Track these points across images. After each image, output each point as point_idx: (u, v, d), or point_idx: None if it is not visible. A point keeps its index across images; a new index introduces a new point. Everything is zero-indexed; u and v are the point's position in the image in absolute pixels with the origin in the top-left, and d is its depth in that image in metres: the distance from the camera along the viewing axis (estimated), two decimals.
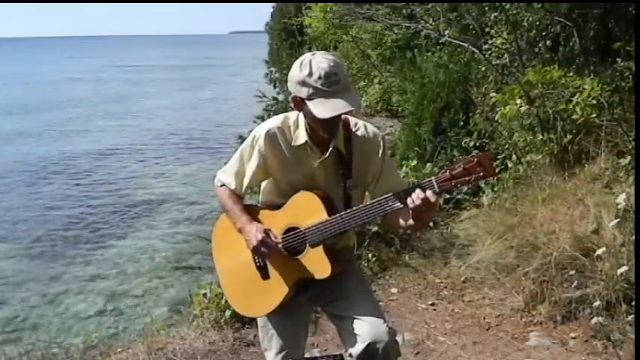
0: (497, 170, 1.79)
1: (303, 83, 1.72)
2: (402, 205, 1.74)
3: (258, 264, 1.96)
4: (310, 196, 1.87)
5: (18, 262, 6.76)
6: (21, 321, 5.24)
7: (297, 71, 1.75)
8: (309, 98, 1.73)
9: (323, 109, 1.70)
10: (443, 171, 1.70)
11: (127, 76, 34.77)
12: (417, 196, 1.68)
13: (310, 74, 1.71)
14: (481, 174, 1.65)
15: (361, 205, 1.81)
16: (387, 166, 1.97)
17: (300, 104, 1.79)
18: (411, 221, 1.78)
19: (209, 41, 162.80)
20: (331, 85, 1.70)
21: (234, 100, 20.96)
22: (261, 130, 1.91)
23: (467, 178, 1.66)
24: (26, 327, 5.13)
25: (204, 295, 3.55)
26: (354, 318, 1.87)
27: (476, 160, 1.65)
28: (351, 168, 1.91)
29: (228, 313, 3.37)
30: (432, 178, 1.70)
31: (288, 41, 19.16)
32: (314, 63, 1.72)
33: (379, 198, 1.78)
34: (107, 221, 8.22)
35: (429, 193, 1.67)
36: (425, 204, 1.68)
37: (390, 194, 1.75)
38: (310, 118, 1.79)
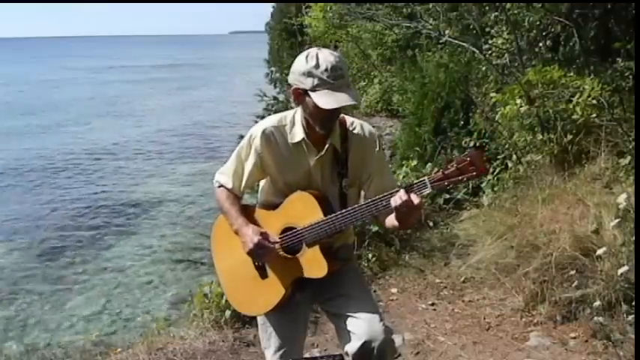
0: (488, 168, 1.81)
1: (309, 74, 1.74)
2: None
3: (256, 263, 1.96)
4: (306, 195, 1.88)
5: (18, 262, 6.76)
6: (21, 320, 5.25)
7: (302, 63, 1.77)
8: (314, 89, 1.74)
9: (328, 100, 1.72)
10: (436, 171, 1.72)
11: (126, 76, 34.75)
12: (399, 197, 1.69)
13: (317, 66, 1.73)
14: (474, 173, 1.66)
15: (356, 205, 1.82)
16: (382, 165, 1.98)
17: (300, 97, 1.80)
18: (395, 222, 1.79)
19: (209, 41, 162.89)
20: (336, 78, 1.73)
21: (234, 100, 20.95)
22: (257, 129, 1.92)
23: (459, 178, 1.67)
24: (26, 326, 5.13)
25: (205, 294, 3.55)
26: (351, 316, 1.88)
27: (468, 159, 1.66)
28: (347, 167, 1.92)
29: (228, 313, 3.37)
30: (425, 177, 1.71)
31: (288, 41, 19.16)
32: (321, 56, 1.75)
33: (374, 198, 1.78)
34: (107, 221, 8.24)
35: (412, 195, 1.68)
36: (405, 205, 1.68)
37: (384, 194, 1.75)
38: (310, 111, 1.80)
